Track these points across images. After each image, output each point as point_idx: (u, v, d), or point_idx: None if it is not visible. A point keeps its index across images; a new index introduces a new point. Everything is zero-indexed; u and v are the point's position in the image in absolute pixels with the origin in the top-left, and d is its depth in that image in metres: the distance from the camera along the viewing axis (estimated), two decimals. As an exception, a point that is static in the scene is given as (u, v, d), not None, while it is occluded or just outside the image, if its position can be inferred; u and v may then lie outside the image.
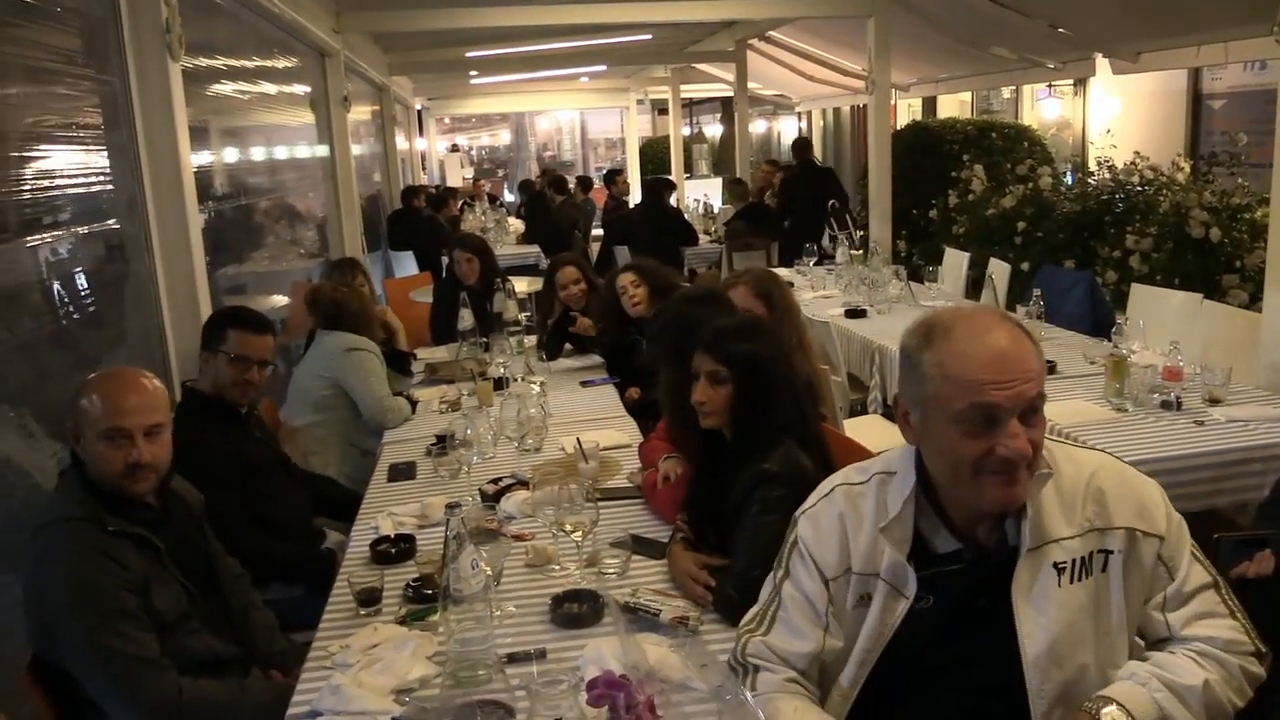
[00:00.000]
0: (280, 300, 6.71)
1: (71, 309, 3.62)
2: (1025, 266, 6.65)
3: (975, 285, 6.61)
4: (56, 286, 3.54)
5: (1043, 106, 11.96)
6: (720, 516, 2.30)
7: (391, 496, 3.13)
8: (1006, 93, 13.63)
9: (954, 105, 14.12)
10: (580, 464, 3.03)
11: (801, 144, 10.23)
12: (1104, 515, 1.58)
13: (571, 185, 12.70)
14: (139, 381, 2.25)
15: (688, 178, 15.84)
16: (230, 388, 3.02)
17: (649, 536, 2.61)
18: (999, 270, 6.06)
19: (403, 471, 3.33)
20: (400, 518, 2.86)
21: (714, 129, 22.47)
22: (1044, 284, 5.04)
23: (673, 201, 10.02)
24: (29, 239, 3.39)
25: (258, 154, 7.54)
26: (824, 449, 2.36)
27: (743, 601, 1.86)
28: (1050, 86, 11.54)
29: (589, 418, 3.80)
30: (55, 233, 3.54)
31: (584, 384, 4.36)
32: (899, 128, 10.81)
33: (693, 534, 2.43)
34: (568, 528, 2.39)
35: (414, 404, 4.08)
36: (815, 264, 7.12)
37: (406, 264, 9.44)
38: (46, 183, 3.49)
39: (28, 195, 3.41)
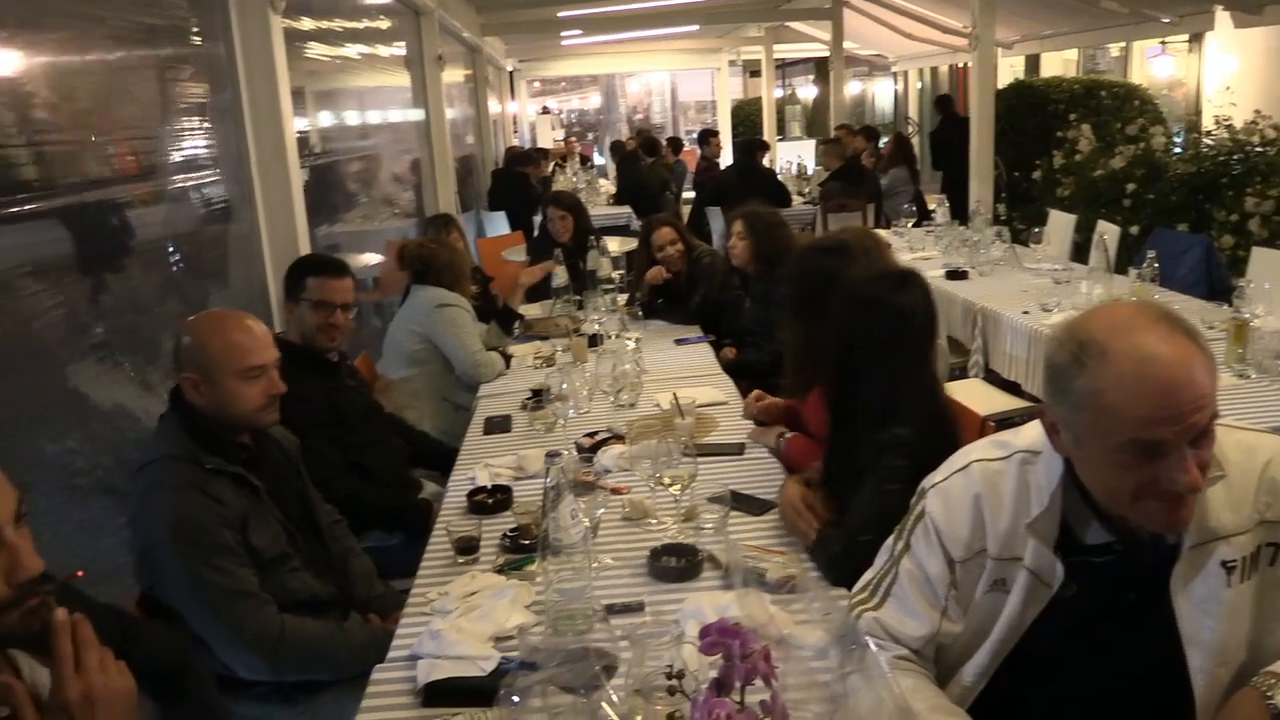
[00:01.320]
0: (375, 259, 6.80)
1: (180, 263, 3.71)
2: (1134, 230, 6.38)
3: (1080, 249, 6.37)
4: (168, 242, 3.64)
5: (1153, 65, 11.45)
6: (850, 473, 2.22)
7: (487, 449, 3.13)
8: (1115, 50, 13.09)
9: (1058, 64, 13.62)
10: (676, 420, 3.00)
11: (944, 99, 10.05)
12: (1276, 507, 1.43)
13: (663, 146, 12.60)
14: (254, 321, 2.32)
15: (780, 140, 15.61)
16: (316, 334, 3.05)
17: (747, 493, 2.56)
18: (1110, 233, 5.82)
19: (498, 425, 3.34)
20: (497, 469, 2.86)
21: (807, 91, 22.07)
22: (1156, 247, 4.82)
23: (765, 162, 9.87)
24: (141, 197, 3.48)
25: (354, 115, 7.63)
26: (950, 418, 2.27)
27: (845, 562, 1.81)
28: (1163, 44, 11.04)
29: (684, 375, 3.76)
30: (165, 190, 3.62)
31: (678, 342, 4.31)
32: (1001, 87, 10.45)
33: (825, 489, 2.36)
34: (666, 481, 2.37)
35: (507, 359, 4.09)
36: (913, 225, 6.95)
37: (499, 225, 9.49)
38: (158, 143, 3.58)
39: (140, 156, 3.49)
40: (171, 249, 3.69)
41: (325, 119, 6.48)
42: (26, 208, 2.92)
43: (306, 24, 5.26)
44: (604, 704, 1.19)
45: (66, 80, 3.17)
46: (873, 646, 1.19)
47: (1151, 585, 1.45)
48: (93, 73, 3.33)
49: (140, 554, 2.13)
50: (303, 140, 4.72)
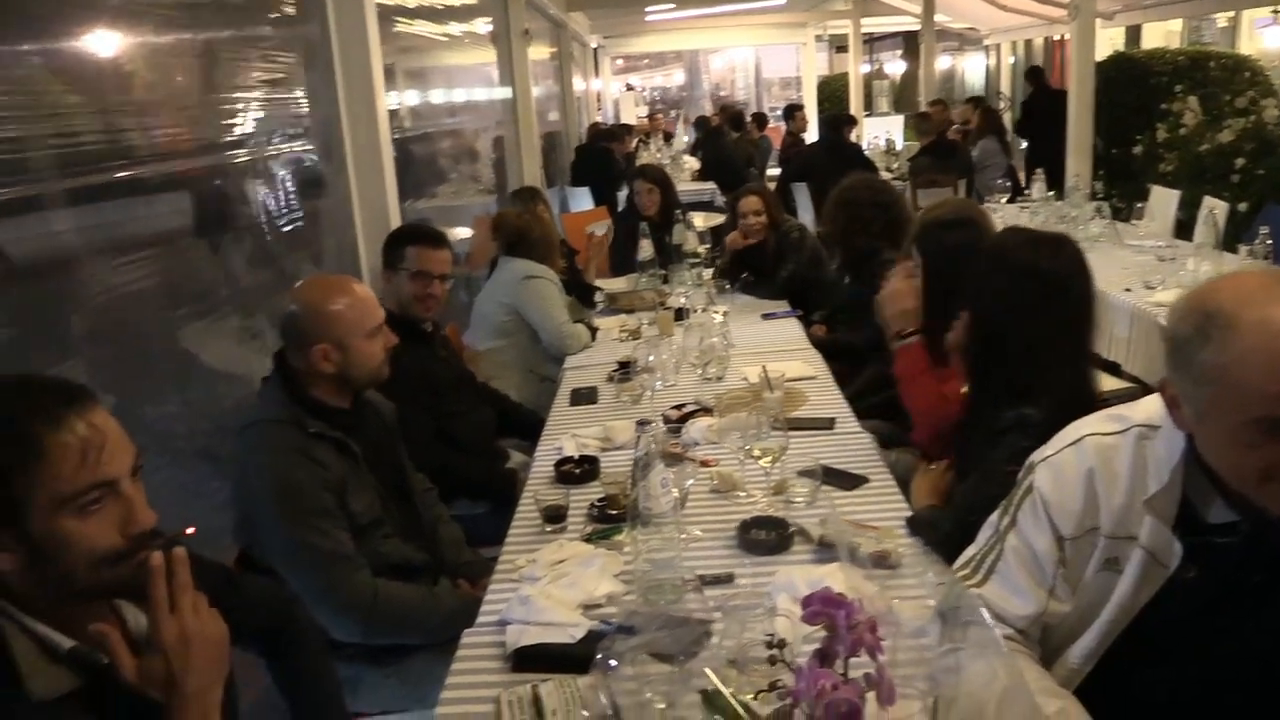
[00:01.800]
0: (463, 233, 6.86)
1: (275, 234, 3.79)
2: (1243, 207, 6.10)
3: (1183, 226, 6.12)
4: (263, 215, 3.72)
5: (1264, 36, 10.94)
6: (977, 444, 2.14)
7: (574, 420, 3.13)
8: (1222, 20, 12.55)
9: (1159, 35, 13.11)
10: (765, 393, 2.95)
11: (1035, 70, 9.80)
12: None
13: (748, 122, 12.47)
14: (357, 281, 2.40)
15: (867, 115, 15.30)
16: (413, 303, 3.08)
17: (838, 468, 2.51)
18: (1218, 209, 5.57)
19: (584, 396, 3.34)
20: (584, 440, 2.85)
21: (894, 66, 21.62)
22: (1269, 223, 4.60)
23: (852, 138, 9.69)
24: (238, 170, 3.55)
25: (442, 91, 7.70)
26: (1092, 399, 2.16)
27: (957, 541, 1.75)
28: (1275, 13, 10.54)
29: (772, 350, 3.71)
30: (261, 165, 3.70)
31: (765, 316, 4.26)
32: (1099, 59, 10.10)
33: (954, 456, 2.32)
34: (756, 453, 2.33)
35: (594, 331, 4.08)
36: (1007, 201, 6.75)
37: (582, 200, 9.50)
38: (257, 119, 3.65)
39: (241, 131, 3.57)
40: (266, 222, 3.78)
41: (414, 95, 6.55)
42: (129, 175, 3.00)
43: (397, 0, 5.31)
44: (707, 669, 1.16)
45: (170, 57, 3.25)
46: (988, 619, 1.14)
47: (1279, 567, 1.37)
48: (195, 50, 3.41)
49: (241, 514, 2.18)
50: (392, 116, 4.77)
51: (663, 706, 1.47)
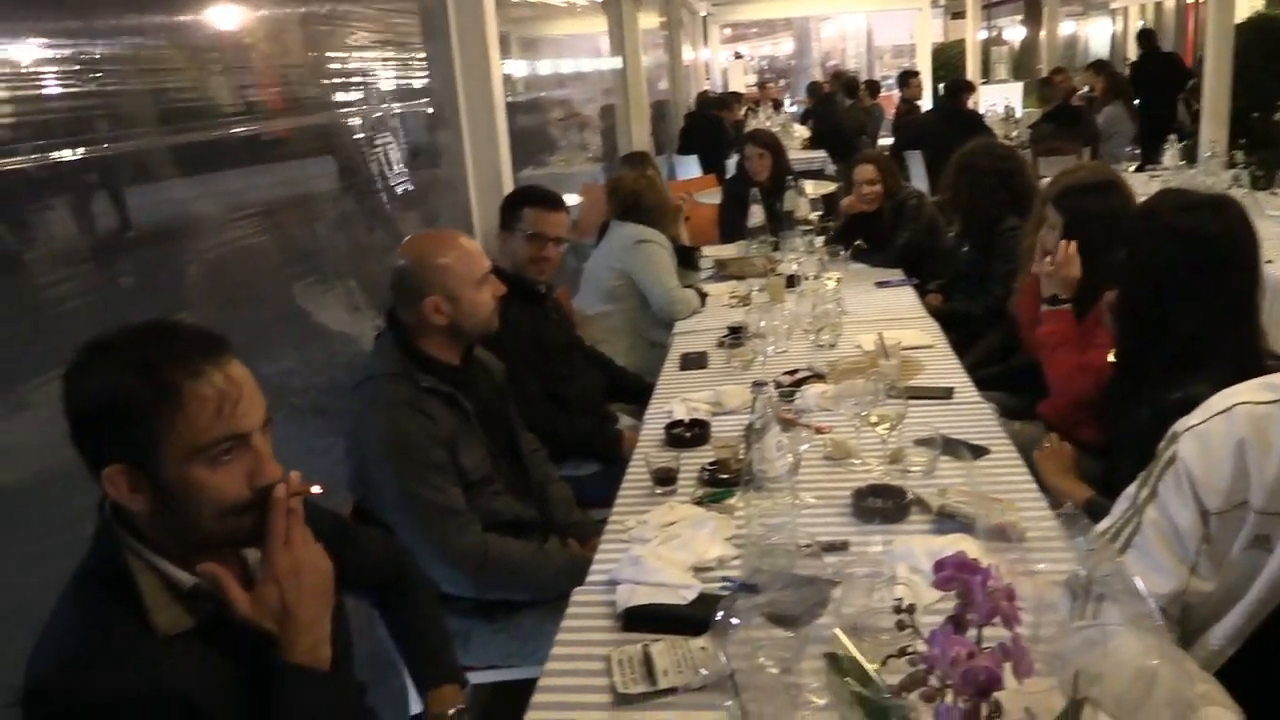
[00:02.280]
0: (571, 200, 6.87)
1: (391, 196, 3.85)
2: (1398, 176, 5.71)
3: (1329, 198, 5.74)
4: (380, 179, 3.78)
5: None
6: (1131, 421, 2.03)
7: (684, 384, 3.10)
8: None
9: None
10: (880, 361, 2.87)
11: (1146, 33, 9.36)
12: None
13: (860, 89, 12.18)
14: (462, 233, 2.43)
15: (984, 83, 14.80)
16: (528, 265, 3.08)
17: (959, 438, 2.43)
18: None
19: (694, 361, 3.31)
20: (694, 404, 2.82)
21: (1013, 32, 20.86)
22: None
23: (970, 105, 9.37)
24: (355, 135, 3.61)
25: (553, 59, 7.72)
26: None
27: None
28: None
29: (886, 318, 3.61)
30: (378, 130, 3.75)
31: (880, 284, 4.15)
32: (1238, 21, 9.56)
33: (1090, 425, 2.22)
34: (873, 420, 2.26)
35: (703, 297, 4.04)
36: (1136, 169, 6.45)
37: (690, 168, 9.43)
38: (375, 84, 3.70)
39: (357, 96, 3.62)
40: (383, 186, 3.83)
41: (527, 63, 6.58)
42: (253, 144, 3.07)
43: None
44: (837, 631, 1.12)
45: (291, 25, 3.32)
46: (1143, 590, 1.07)
47: None
48: (316, 18, 3.47)
49: (355, 468, 2.21)
50: (505, 82, 4.79)
51: (776, 671, 1.44)
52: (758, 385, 1.90)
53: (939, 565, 1.05)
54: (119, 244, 3.02)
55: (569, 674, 1.68)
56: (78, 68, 2.74)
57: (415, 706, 1.92)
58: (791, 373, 2.96)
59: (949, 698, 0.95)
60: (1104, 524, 1.57)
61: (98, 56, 2.83)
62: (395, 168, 3.80)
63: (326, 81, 3.48)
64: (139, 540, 1.30)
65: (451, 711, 1.71)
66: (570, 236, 6.36)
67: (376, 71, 3.87)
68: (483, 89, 3.93)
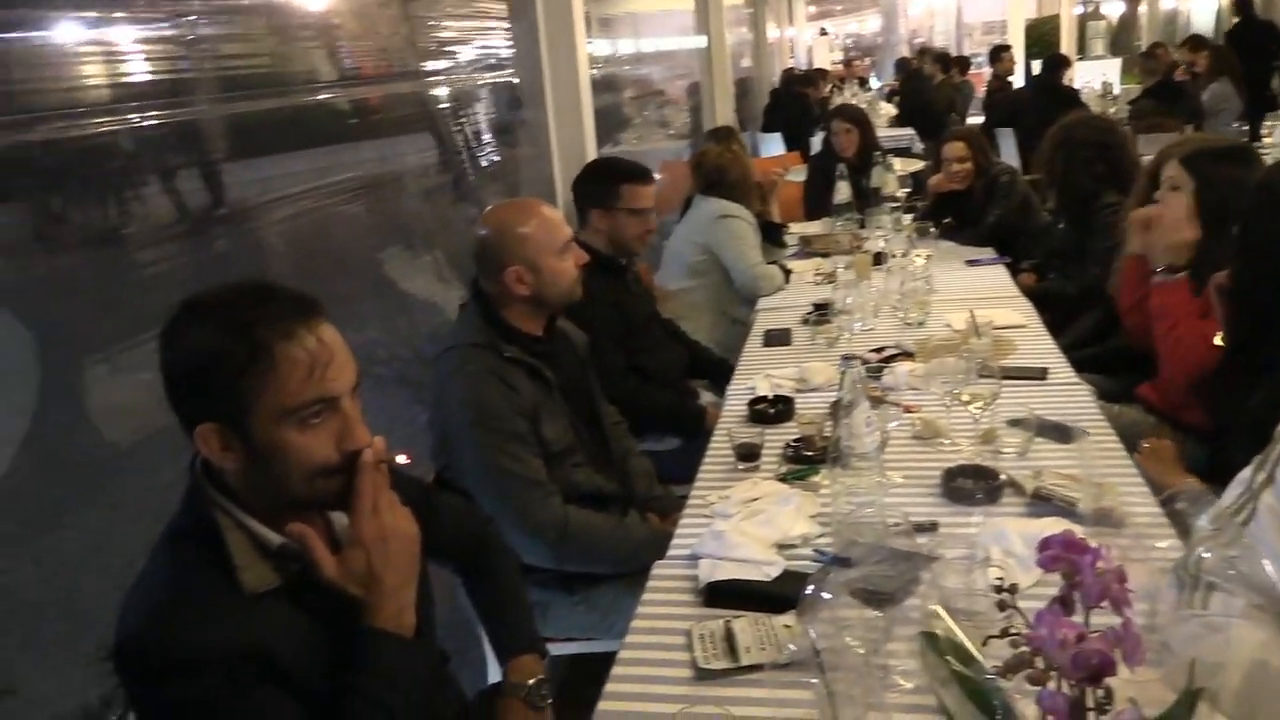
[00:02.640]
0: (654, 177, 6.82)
1: (476, 170, 3.87)
2: None
3: None
4: (465, 153, 3.80)
5: None
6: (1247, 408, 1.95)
7: (767, 361, 3.05)
8: None
9: None
10: (972, 339, 2.78)
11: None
12: None
13: (951, 64, 11.87)
14: (544, 201, 2.40)
15: (1079, 59, 14.33)
16: (632, 241, 3.07)
17: (1054, 420, 2.34)
18: None
19: (778, 338, 3.25)
20: (778, 380, 2.77)
21: (1112, 7, 20.15)
22: None
23: (1065, 80, 9.07)
24: (442, 110, 3.63)
25: (636, 35, 7.67)
26: None
27: None
28: None
29: (976, 296, 3.51)
30: (463, 106, 3.77)
31: (970, 263, 4.04)
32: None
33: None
34: (965, 398, 2.19)
35: (787, 273, 3.98)
36: (1242, 147, 6.16)
37: (773, 146, 9.31)
38: (460, 59, 3.72)
39: (445, 67, 3.64)
40: (468, 160, 3.85)
41: (611, 38, 6.54)
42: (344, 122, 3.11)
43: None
44: (937, 607, 1.08)
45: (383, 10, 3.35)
46: (1270, 571, 1.00)
47: None
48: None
49: (438, 437, 2.22)
50: (589, 59, 4.78)
51: (863, 652, 1.40)
52: (846, 359, 1.85)
53: (1044, 544, 1.00)
54: (212, 218, 3.09)
55: (649, 647, 1.66)
56: (175, 44, 2.81)
57: (495, 676, 1.92)
58: (879, 350, 2.89)
59: (1056, 683, 0.90)
60: (1214, 509, 1.50)
61: (196, 35, 2.89)
62: (481, 140, 3.82)
63: (417, 55, 3.51)
64: (229, 499, 1.31)
65: (531, 681, 1.70)
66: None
67: (463, 45, 3.88)
68: (568, 64, 3.92)
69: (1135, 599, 1.23)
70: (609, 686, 1.57)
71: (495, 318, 2.25)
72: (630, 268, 3.24)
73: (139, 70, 2.78)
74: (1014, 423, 2.25)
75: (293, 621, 1.30)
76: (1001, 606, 1.00)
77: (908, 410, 2.45)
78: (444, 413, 2.19)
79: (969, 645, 1.00)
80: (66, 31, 2.69)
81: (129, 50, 2.78)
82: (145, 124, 2.80)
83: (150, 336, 1.34)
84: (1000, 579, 1.02)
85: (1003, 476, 2.03)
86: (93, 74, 2.75)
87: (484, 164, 3.88)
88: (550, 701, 1.72)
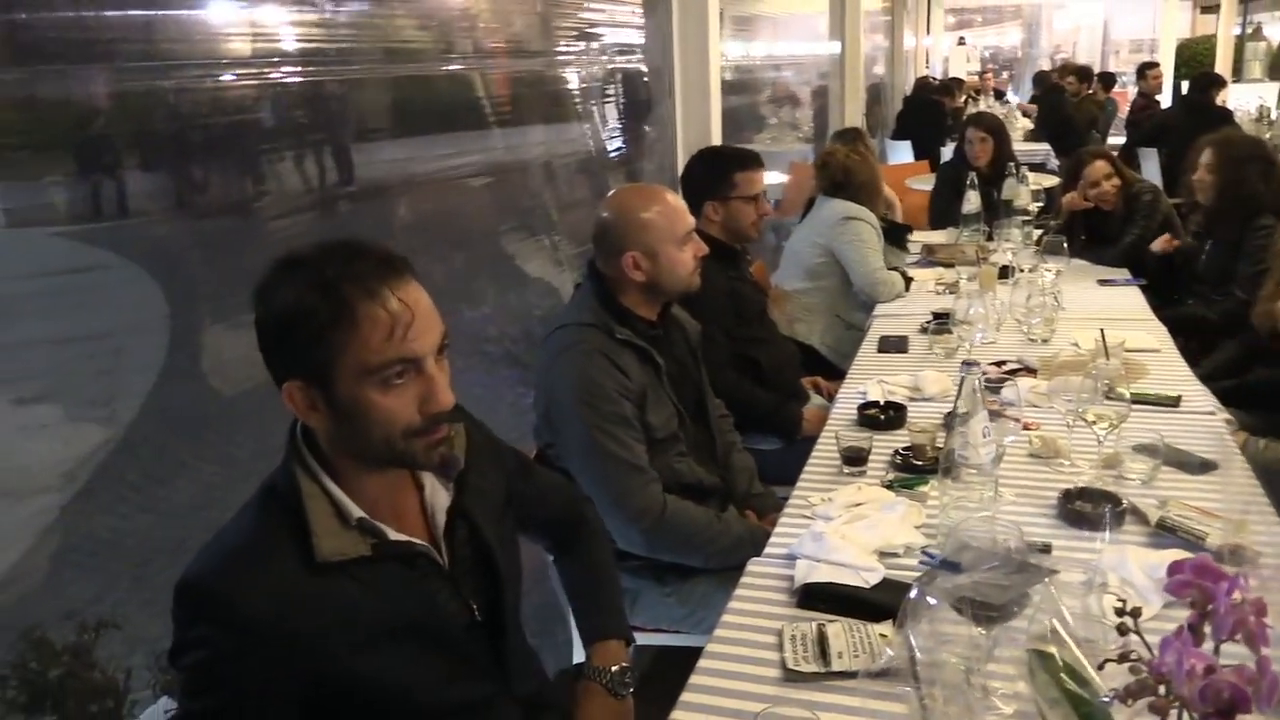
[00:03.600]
0: (777, 178, 6.77)
1: (600, 156, 3.88)
2: None
3: None
4: (592, 142, 3.82)
5: None
6: None
7: (880, 367, 2.97)
8: None
9: None
10: (1100, 360, 2.65)
11: None
12: None
13: (1094, 79, 11.41)
14: (669, 190, 2.36)
15: (1234, 81, 13.67)
16: (749, 228, 3.04)
17: (1186, 449, 2.21)
18: None
19: (894, 344, 3.16)
20: (891, 387, 2.69)
21: (1276, 28, 19.15)
22: None
23: (1218, 101, 8.63)
24: (573, 100, 3.65)
25: (768, 36, 7.60)
26: None
27: None
28: None
29: (1108, 317, 3.34)
30: (593, 99, 3.79)
31: (1102, 283, 3.86)
32: None
33: None
34: (1089, 418, 2.09)
35: (908, 281, 3.86)
36: None
37: (902, 154, 9.12)
38: (591, 49, 3.74)
39: (576, 63, 3.66)
40: (595, 148, 3.87)
41: (743, 39, 6.50)
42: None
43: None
44: (1054, 622, 1.01)
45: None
46: None
47: None
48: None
49: (542, 413, 2.21)
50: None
51: (962, 669, 1.33)
52: (968, 364, 1.77)
53: (1174, 568, 0.92)
54: (340, 194, 3.16)
55: (738, 643, 1.62)
56: (316, 27, 2.90)
57: (579, 657, 1.91)
58: (999, 364, 2.78)
59: (1179, 714, 0.83)
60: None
61: (335, 19, 2.98)
62: (607, 128, 3.83)
63: (550, 40, 3.55)
64: (320, 463, 1.32)
65: (614, 668, 1.67)
66: (772, 216, 6.30)
67: (596, 35, 3.90)
68: (699, 59, 3.90)
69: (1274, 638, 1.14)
70: (694, 679, 1.54)
71: (610, 300, 2.23)
72: (745, 255, 3.19)
73: (282, 50, 2.87)
74: (1141, 448, 2.13)
75: (360, 597, 1.29)
76: (1122, 631, 0.93)
77: (1026, 427, 2.35)
78: (551, 390, 2.17)
79: (1085, 666, 0.93)
80: (218, 10, 2.79)
81: (273, 30, 2.87)
82: (284, 103, 2.89)
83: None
84: (1122, 601, 0.94)
85: (1125, 503, 1.92)
86: (239, 52, 2.86)
87: (610, 152, 3.88)
88: (631, 690, 1.69)
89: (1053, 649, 1.00)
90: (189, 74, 2.74)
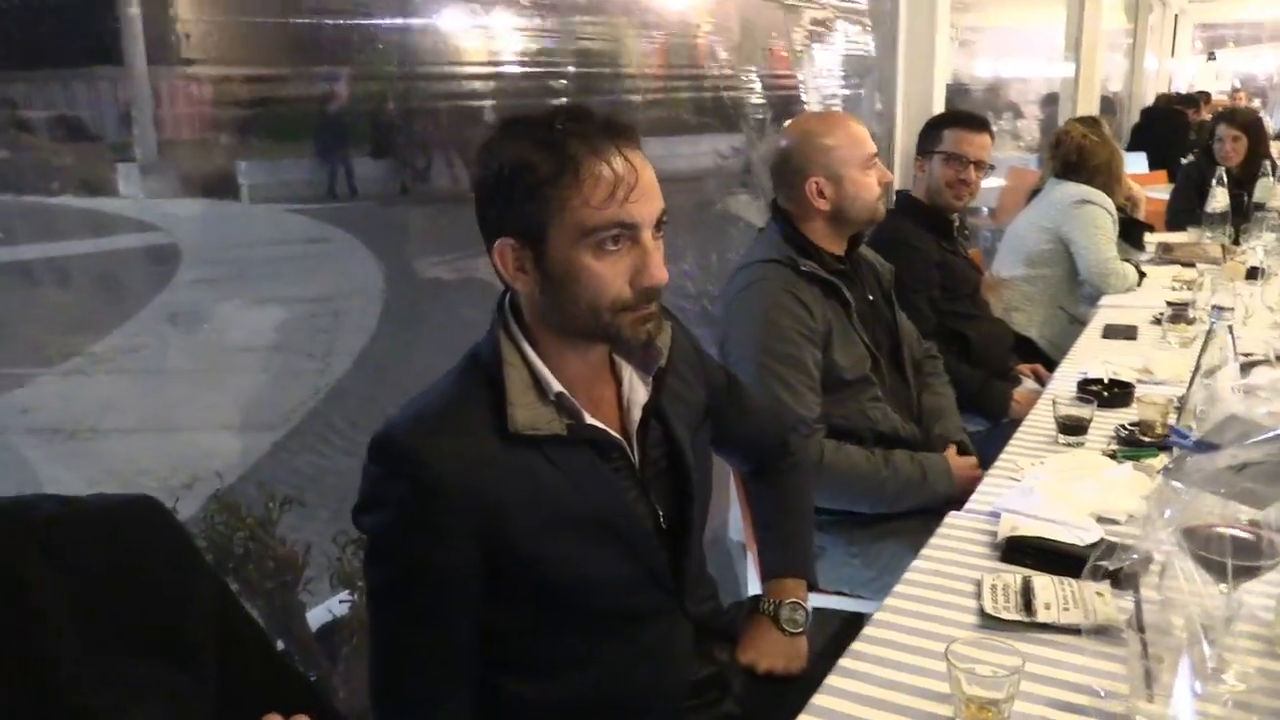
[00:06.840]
0: (994, 184, 6.49)
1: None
2: None
3: None
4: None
5: None
6: None
7: (1104, 351, 2.73)
8: None
9: None
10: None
11: None
12: None
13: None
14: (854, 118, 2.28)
15: None
16: (944, 190, 2.86)
17: None
18: None
19: (1121, 332, 2.91)
20: (1116, 367, 2.46)
21: None
22: None
23: None
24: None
25: (992, 40, 7.33)
26: None
27: None
28: None
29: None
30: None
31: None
32: None
33: None
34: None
35: (1141, 276, 3.55)
36: None
37: (1134, 165, 8.55)
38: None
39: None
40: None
41: (967, 52, 6.33)
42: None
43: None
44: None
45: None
46: None
47: None
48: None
49: (719, 348, 2.14)
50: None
51: (1184, 636, 1.17)
52: (1218, 309, 1.57)
53: None
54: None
55: (929, 588, 1.49)
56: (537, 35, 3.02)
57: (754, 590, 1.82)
58: (1245, 355, 2.50)
59: None
60: None
61: (554, 26, 3.09)
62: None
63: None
64: (524, 334, 1.29)
65: (789, 601, 1.58)
66: (987, 223, 6.00)
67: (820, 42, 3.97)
68: (924, 71, 3.77)
69: None
70: (879, 615, 1.43)
71: (794, 234, 2.15)
72: (962, 227, 3.01)
73: (505, 53, 2.98)
74: None
75: (551, 477, 1.25)
76: None
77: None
78: (730, 326, 2.12)
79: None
80: (450, 19, 2.93)
81: (499, 35, 3.00)
82: (505, 101, 3.00)
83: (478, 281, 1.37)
84: None
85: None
86: (468, 54, 2.99)
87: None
88: (803, 630, 1.60)
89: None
90: (426, 76, 2.93)
